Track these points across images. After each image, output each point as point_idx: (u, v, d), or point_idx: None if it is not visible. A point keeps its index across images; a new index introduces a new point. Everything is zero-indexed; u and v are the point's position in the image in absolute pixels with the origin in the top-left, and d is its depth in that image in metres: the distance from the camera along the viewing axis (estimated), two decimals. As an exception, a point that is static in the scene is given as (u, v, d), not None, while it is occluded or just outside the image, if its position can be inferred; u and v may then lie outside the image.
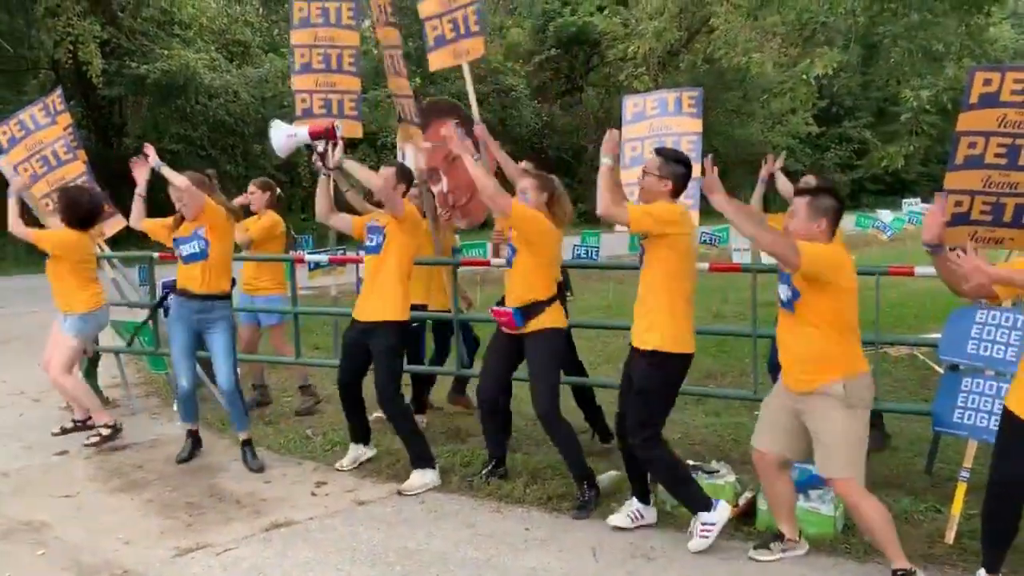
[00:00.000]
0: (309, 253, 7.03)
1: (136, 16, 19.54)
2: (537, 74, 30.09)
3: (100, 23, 18.36)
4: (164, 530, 4.33)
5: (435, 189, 6.11)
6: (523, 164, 5.17)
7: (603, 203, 3.92)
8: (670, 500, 4.31)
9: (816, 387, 3.55)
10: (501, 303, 4.70)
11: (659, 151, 4.20)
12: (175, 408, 6.30)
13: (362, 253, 5.22)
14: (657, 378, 4.02)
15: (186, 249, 5.15)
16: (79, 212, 5.66)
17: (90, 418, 5.81)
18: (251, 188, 6.54)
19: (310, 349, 7.41)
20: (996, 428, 4.01)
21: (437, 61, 5.94)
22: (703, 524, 3.97)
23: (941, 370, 4.60)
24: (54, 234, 5.75)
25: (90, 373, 6.62)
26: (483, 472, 4.85)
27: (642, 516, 4.23)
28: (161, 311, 6.80)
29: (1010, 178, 4.34)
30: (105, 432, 5.65)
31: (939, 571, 3.73)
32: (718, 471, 4.48)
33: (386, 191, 4.68)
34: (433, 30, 5.91)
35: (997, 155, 4.33)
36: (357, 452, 5.19)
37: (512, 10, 34.44)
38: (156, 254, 6.65)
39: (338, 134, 4.85)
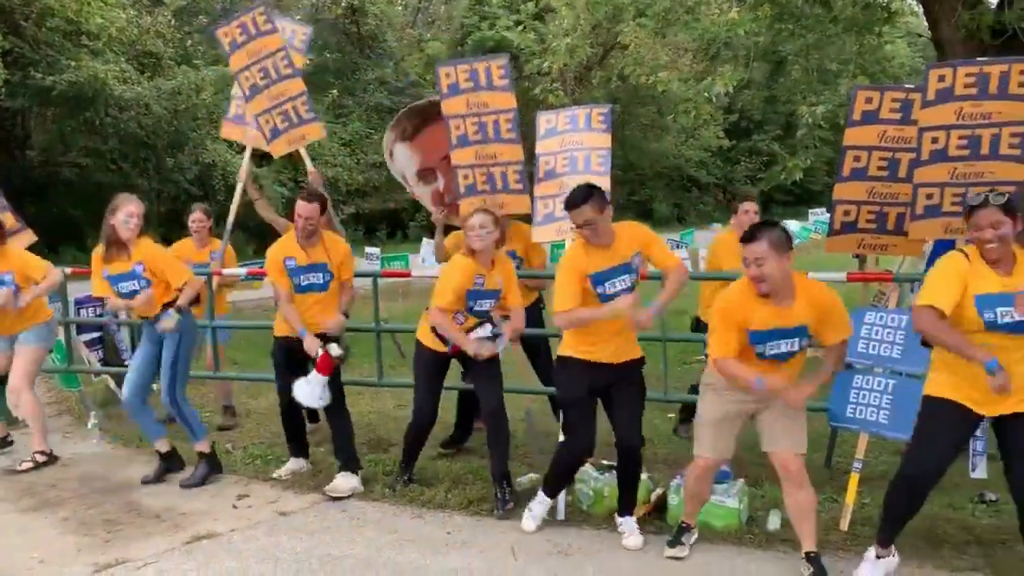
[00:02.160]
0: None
1: (40, 26, 18.89)
2: (456, 87, 30.25)
3: (2, 32, 17.74)
4: (81, 547, 4.28)
5: (430, 188, 6.16)
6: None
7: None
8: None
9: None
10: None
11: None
12: (88, 427, 6.20)
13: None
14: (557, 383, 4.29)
15: (124, 288, 5.01)
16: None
17: (8, 435, 5.70)
18: (197, 215, 6.53)
19: (228, 364, 7.35)
20: (885, 421, 4.35)
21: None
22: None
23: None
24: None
25: (-1, 392, 6.44)
26: (400, 479, 4.97)
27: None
28: (73, 328, 6.71)
29: (891, 189, 4.71)
30: (40, 459, 5.54)
31: (834, 556, 3.98)
32: (630, 470, 4.67)
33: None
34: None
35: (879, 168, 4.69)
36: (297, 464, 5.27)
37: (430, 23, 34.64)
38: (68, 269, 6.52)
39: (340, 354, 4.93)
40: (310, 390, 4.88)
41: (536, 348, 5.57)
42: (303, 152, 6.59)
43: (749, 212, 5.58)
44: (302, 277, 4.94)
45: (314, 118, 6.47)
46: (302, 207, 4.85)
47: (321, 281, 4.96)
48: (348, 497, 4.84)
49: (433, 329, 4.73)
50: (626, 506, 4.30)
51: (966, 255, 3.46)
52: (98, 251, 5.06)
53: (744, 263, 3.62)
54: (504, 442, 4.71)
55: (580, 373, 4.15)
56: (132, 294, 5.00)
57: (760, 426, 3.85)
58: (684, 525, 4.11)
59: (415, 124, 6.08)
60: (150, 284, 4.99)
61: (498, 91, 5.31)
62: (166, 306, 5.03)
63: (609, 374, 4.15)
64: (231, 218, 6.81)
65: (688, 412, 5.98)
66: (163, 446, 5.29)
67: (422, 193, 6.13)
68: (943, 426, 3.52)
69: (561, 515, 4.48)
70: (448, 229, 5.92)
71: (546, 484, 4.40)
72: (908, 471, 3.59)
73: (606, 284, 4.03)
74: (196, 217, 6.58)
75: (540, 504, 4.40)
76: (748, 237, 3.61)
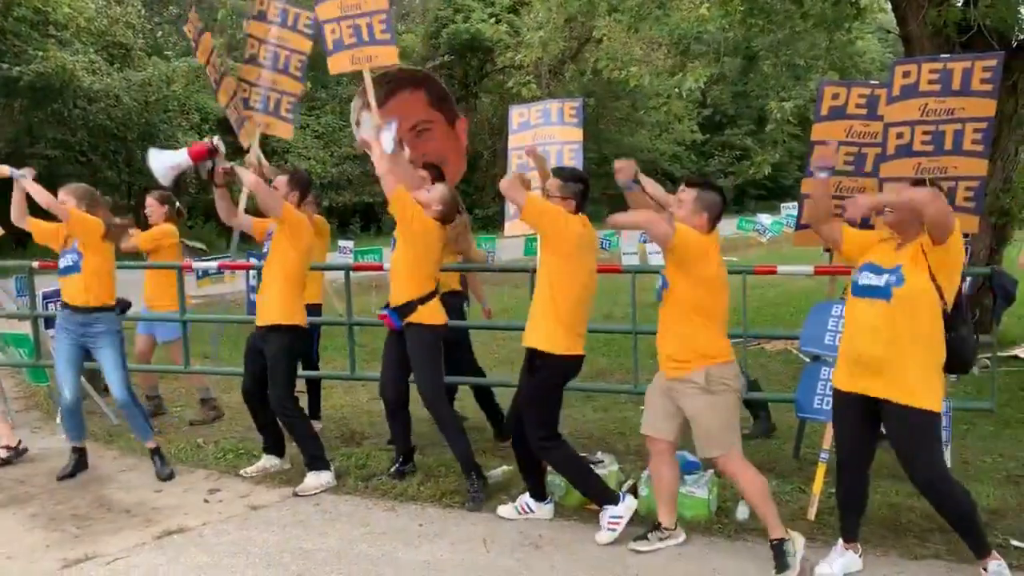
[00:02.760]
0: (197, 260, 6.96)
1: (7, 15, 18.58)
2: (430, 80, 30.17)
3: (-33, 22, 17.47)
4: (50, 543, 4.25)
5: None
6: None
7: (506, 183, 4.18)
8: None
9: (683, 374, 3.83)
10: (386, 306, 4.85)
11: (557, 172, 4.39)
12: (58, 421, 6.13)
13: (253, 260, 5.25)
14: (537, 378, 4.22)
15: (62, 261, 5.10)
16: None
17: None
18: (149, 201, 6.44)
19: (199, 359, 7.31)
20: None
21: (336, 65, 5.95)
22: (611, 517, 4.17)
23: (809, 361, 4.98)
24: None
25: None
26: (392, 469, 4.97)
27: (531, 510, 4.42)
28: (42, 322, 6.63)
29: (858, 183, 4.78)
30: (4, 454, 5.48)
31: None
32: (602, 461, 4.72)
33: (261, 192, 4.73)
34: (332, 33, 5.95)
35: (846, 162, 4.76)
36: (269, 462, 5.21)
37: (404, 15, 34.46)
38: (35, 263, 6.45)
39: (220, 149, 4.83)
40: (166, 158, 4.87)
41: (456, 341, 5.55)
42: (254, 144, 6.53)
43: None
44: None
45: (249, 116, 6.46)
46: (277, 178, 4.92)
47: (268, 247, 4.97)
48: (321, 492, 4.84)
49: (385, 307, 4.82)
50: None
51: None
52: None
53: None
54: (449, 436, 4.75)
55: (568, 371, 4.32)
56: (67, 270, 5.05)
57: None
58: (656, 524, 4.11)
59: (384, 92, 6.07)
60: (82, 256, 5.01)
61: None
62: (109, 309, 5.08)
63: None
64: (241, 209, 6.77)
65: None
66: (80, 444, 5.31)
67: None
68: (838, 413, 3.73)
69: (547, 515, 4.46)
70: None
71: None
72: (839, 458, 3.76)
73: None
74: (149, 203, 6.47)
75: (521, 497, 4.47)
76: (691, 182, 3.94)
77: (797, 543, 3.81)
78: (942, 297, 3.43)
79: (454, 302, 5.54)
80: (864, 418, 3.62)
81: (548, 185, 4.30)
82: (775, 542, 3.81)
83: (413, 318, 4.71)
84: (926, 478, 3.51)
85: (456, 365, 5.46)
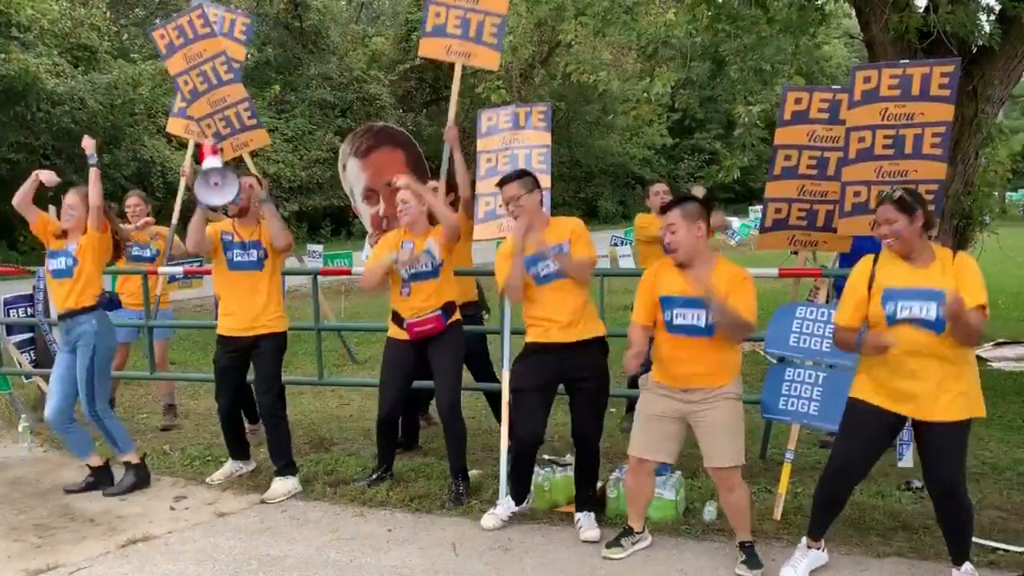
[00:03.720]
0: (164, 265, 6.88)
1: (-33, 17, 18.29)
2: (401, 83, 30.12)
3: (-74, 23, 17.13)
4: (11, 554, 4.18)
5: (372, 210, 6.17)
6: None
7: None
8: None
9: (719, 385, 3.82)
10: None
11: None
12: (19, 430, 6.03)
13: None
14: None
15: (53, 264, 4.99)
16: None
17: None
18: (134, 200, 6.39)
19: (166, 364, 7.22)
20: (815, 413, 4.48)
21: (428, 49, 5.67)
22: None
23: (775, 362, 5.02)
24: None
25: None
26: (373, 477, 4.94)
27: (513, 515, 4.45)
28: (3, 329, 6.53)
29: (820, 187, 4.84)
30: None
31: (767, 545, 4.08)
32: (571, 464, 4.72)
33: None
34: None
35: (809, 166, 4.82)
36: (235, 467, 5.18)
37: (375, 18, 34.37)
38: (-6, 268, 6.35)
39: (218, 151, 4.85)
40: (207, 179, 4.78)
41: (472, 348, 5.59)
42: (247, 158, 6.52)
43: (660, 193, 5.89)
44: (235, 252, 4.89)
45: (257, 124, 6.39)
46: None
47: (256, 259, 4.90)
48: (289, 498, 4.80)
49: (392, 316, 4.81)
50: (583, 502, 4.36)
51: (876, 257, 3.63)
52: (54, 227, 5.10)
53: (661, 234, 3.85)
54: (458, 438, 4.76)
55: (536, 361, 4.30)
56: (58, 273, 4.96)
57: (697, 438, 3.92)
58: (626, 528, 4.11)
59: (368, 144, 6.14)
60: (77, 263, 4.93)
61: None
62: (85, 311, 4.92)
63: (567, 355, 4.24)
64: (175, 216, 6.72)
65: (632, 406, 6.08)
66: (95, 461, 5.11)
67: (364, 212, 6.17)
68: (862, 425, 3.63)
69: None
70: None
71: (510, 485, 4.48)
72: (834, 462, 3.71)
73: (536, 266, 4.27)
74: (132, 202, 6.46)
75: (504, 505, 4.44)
76: (664, 209, 3.87)
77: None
78: None
79: (473, 311, 5.65)
80: (885, 432, 3.65)
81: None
82: (746, 543, 3.86)
83: (453, 319, 4.84)
84: (948, 483, 3.51)
85: (477, 375, 5.59)
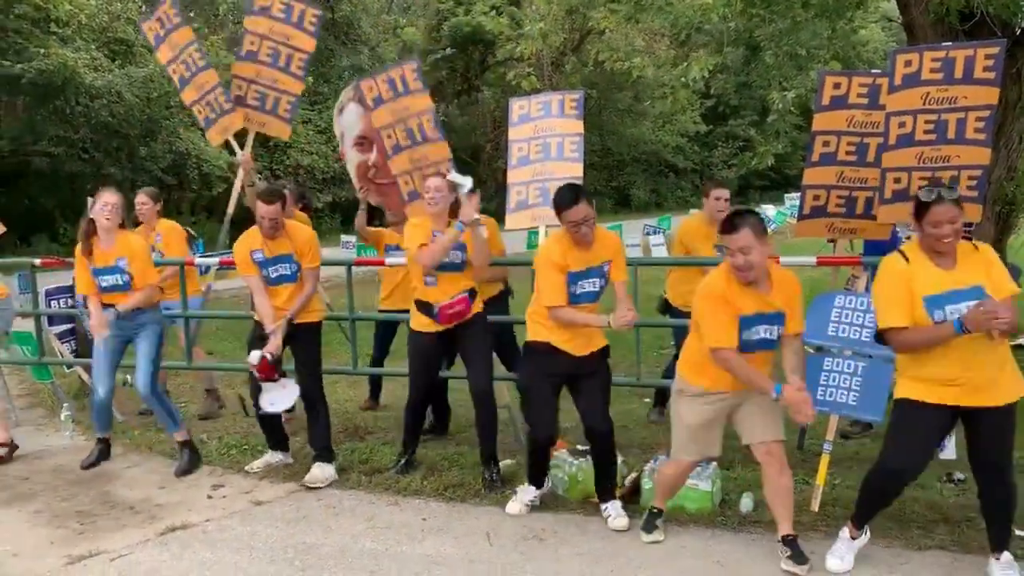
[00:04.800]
0: (200, 256, 6.95)
1: (8, 13, 18.55)
2: (432, 73, 30.11)
3: (-32, 20, 17.44)
4: (55, 540, 4.26)
5: (363, 156, 6.05)
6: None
7: None
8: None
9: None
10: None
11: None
12: (61, 419, 6.15)
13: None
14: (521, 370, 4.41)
15: (106, 281, 5.06)
16: None
17: None
18: (142, 199, 6.40)
19: (203, 354, 7.29)
20: (854, 403, 4.41)
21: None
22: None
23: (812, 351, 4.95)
24: None
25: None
26: (401, 461, 4.98)
27: (536, 500, 4.46)
28: (45, 320, 6.64)
29: (860, 173, 4.75)
30: (1, 452, 5.49)
31: (806, 536, 4.02)
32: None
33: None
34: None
35: (848, 152, 4.73)
36: (273, 458, 5.23)
37: (406, 9, 34.38)
38: (38, 261, 6.46)
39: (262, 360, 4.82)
40: (271, 397, 4.91)
41: (499, 337, 5.58)
42: (231, 140, 6.52)
43: (720, 199, 5.55)
44: (271, 269, 4.91)
45: (231, 109, 6.38)
46: (263, 208, 4.78)
47: (290, 272, 4.94)
48: (325, 487, 4.84)
49: (418, 307, 4.78)
50: (604, 492, 4.34)
51: (903, 255, 3.48)
52: (78, 249, 5.09)
53: (728, 253, 3.65)
54: (489, 423, 4.77)
55: (544, 360, 4.24)
56: (113, 288, 5.05)
57: (737, 421, 3.87)
58: (655, 510, 4.12)
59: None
60: (132, 280, 5.03)
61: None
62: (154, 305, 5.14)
63: (574, 364, 4.22)
64: (231, 207, 6.77)
65: (661, 397, 6.03)
66: (182, 435, 5.29)
67: (351, 159, 6.08)
68: (915, 426, 3.54)
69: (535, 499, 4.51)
70: (370, 208, 6.06)
71: (528, 472, 4.48)
72: (888, 464, 3.61)
73: (579, 283, 4.14)
74: (139, 201, 6.37)
75: (524, 491, 4.46)
76: (730, 227, 3.61)
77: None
78: None
79: (502, 298, 5.66)
80: (938, 431, 3.59)
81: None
82: (789, 538, 3.78)
83: (477, 305, 4.83)
84: (1000, 466, 3.48)
85: (507, 364, 5.55)
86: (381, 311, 6.29)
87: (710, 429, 3.88)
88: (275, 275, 4.91)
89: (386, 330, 6.36)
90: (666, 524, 4.15)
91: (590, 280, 4.16)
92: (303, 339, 5.01)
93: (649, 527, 4.08)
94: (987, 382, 3.41)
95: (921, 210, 3.39)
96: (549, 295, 4.13)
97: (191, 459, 5.22)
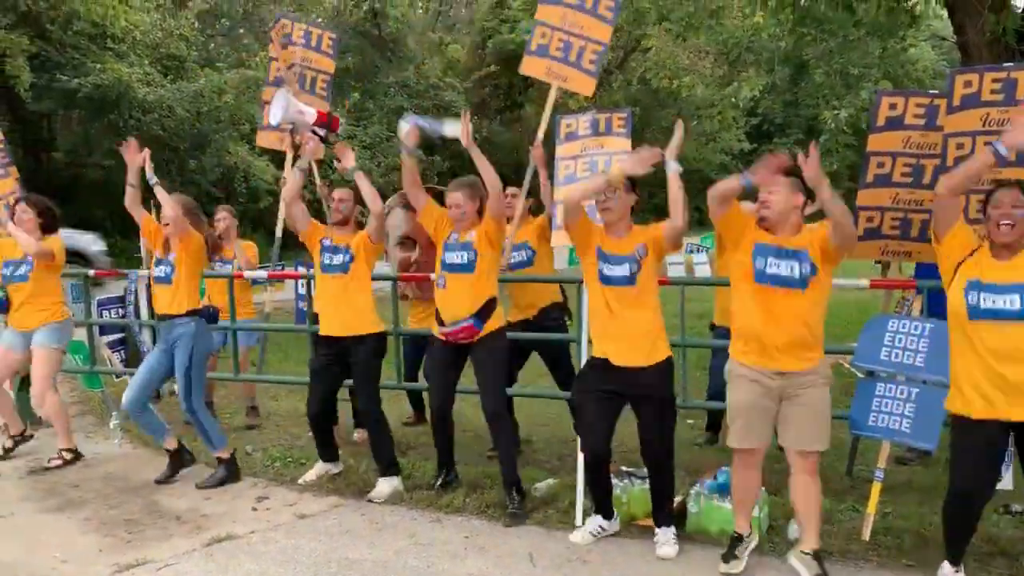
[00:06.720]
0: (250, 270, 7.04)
1: (67, 29, 19.10)
2: (476, 90, 30.31)
3: (29, 36, 17.95)
4: (103, 547, 4.32)
5: (403, 255, 6.20)
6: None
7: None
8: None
9: (811, 366, 3.72)
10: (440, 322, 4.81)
11: None
12: (111, 427, 6.25)
13: (302, 269, 5.30)
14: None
15: (157, 271, 5.24)
16: (54, 216, 5.64)
17: (24, 430, 5.80)
18: (223, 214, 6.60)
19: (248, 367, 7.37)
20: (907, 430, 4.30)
21: (529, 67, 5.86)
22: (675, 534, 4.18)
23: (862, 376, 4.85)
24: (56, 240, 5.66)
25: (23, 390, 6.51)
26: (438, 481, 4.96)
27: (604, 530, 4.35)
28: (96, 329, 6.78)
29: (915, 195, 4.65)
30: (68, 456, 5.62)
31: (855, 567, 3.94)
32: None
33: (379, 218, 4.95)
34: (540, 36, 5.79)
35: (903, 174, 4.63)
36: (324, 469, 5.26)
37: (451, 26, 34.70)
38: (91, 271, 6.60)
39: (340, 126, 4.96)
40: (294, 105, 4.97)
41: (557, 359, 5.55)
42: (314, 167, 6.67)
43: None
44: (327, 256, 5.02)
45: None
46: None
47: (341, 263, 4.99)
48: (380, 503, 4.84)
49: (436, 316, 4.80)
50: (660, 517, 4.23)
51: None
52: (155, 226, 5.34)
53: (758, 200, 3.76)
54: (505, 446, 4.71)
55: (594, 375, 4.19)
56: (159, 279, 5.20)
57: (780, 419, 3.81)
58: (736, 536, 4.00)
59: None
60: (175, 271, 5.14)
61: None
62: (190, 315, 5.14)
63: (625, 379, 4.08)
64: (279, 226, 6.88)
65: (713, 420, 5.96)
66: (171, 444, 5.33)
67: (394, 255, 6.21)
68: (970, 444, 3.48)
69: (578, 521, 4.46)
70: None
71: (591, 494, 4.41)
72: (957, 487, 3.55)
73: (607, 264, 4.11)
74: (220, 216, 6.64)
75: (592, 520, 4.37)
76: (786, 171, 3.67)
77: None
78: None
79: (557, 315, 5.59)
80: (998, 444, 3.51)
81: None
82: (811, 553, 3.75)
83: (492, 323, 4.72)
84: None
85: (562, 384, 5.51)
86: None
87: (759, 414, 3.79)
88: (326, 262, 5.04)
89: (412, 347, 6.35)
90: (703, 547, 4.06)
91: (620, 265, 4.12)
92: (363, 352, 4.97)
93: (728, 556, 3.94)
94: None
95: (987, 199, 3.51)
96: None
97: (222, 476, 5.20)
